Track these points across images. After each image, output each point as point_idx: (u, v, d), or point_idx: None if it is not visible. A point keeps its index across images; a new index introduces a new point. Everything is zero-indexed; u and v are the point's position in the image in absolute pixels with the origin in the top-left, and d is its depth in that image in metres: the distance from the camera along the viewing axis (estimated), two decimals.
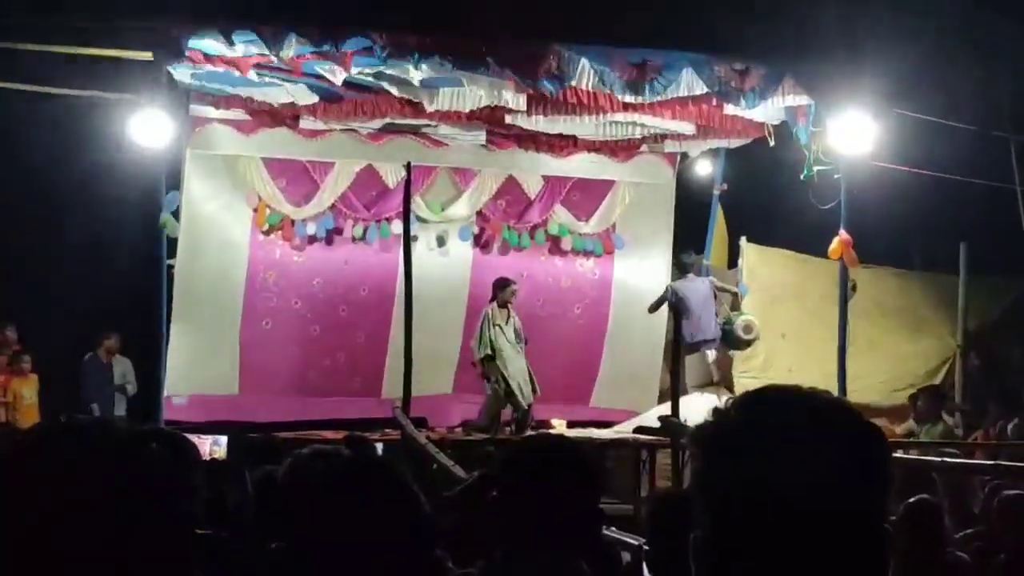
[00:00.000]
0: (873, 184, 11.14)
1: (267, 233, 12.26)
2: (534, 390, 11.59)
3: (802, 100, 10.54)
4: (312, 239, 12.41)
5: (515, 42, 9.96)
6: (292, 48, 9.52)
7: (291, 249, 12.39)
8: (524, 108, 10.73)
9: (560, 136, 12.48)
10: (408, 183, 11.16)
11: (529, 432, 10.51)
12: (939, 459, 7.93)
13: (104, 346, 12.74)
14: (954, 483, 7.38)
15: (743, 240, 13.03)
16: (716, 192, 13.48)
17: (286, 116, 11.70)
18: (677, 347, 10.40)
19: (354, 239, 12.52)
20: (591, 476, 2.52)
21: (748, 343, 12.35)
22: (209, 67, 9.85)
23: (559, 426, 12.10)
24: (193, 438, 4.48)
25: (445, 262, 12.80)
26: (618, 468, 11.30)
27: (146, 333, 10.63)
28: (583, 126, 11.76)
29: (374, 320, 12.54)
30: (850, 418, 1.37)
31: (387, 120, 11.65)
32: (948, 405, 12.08)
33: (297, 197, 12.32)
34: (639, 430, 10.80)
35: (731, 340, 12.30)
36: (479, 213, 12.99)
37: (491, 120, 11.75)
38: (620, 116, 11.26)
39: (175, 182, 11.13)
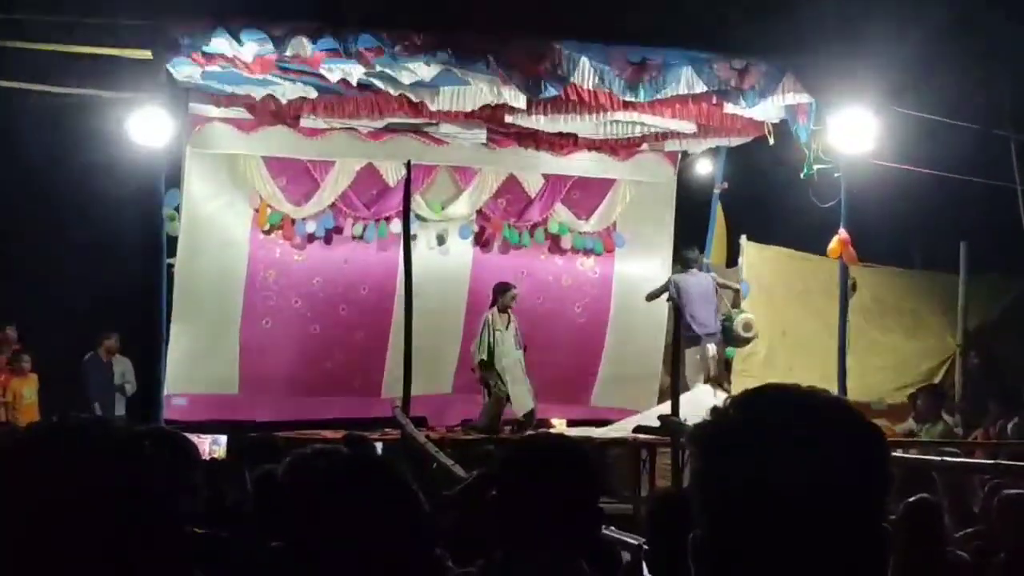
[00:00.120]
0: (873, 183, 11.14)
1: (268, 232, 12.26)
2: (533, 396, 11.59)
3: (802, 98, 10.54)
4: (312, 238, 12.41)
5: (516, 40, 9.94)
6: (305, 48, 9.49)
7: (291, 248, 12.39)
8: (524, 107, 10.74)
9: (560, 135, 12.47)
10: (408, 182, 11.16)
11: (529, 432, 10.50)
12: (939, 458, 7.93)
13: (104, 346, 12.74)
14: (954, 482, 7.37)
15: (743, 238, 13.02)
16: (716, 191, 13.49)
17: (286, 115, 11.69)
18: (677, 345, 10.39)
19: (354, 237, 12.52)
20: (591, 475, 2.51)
21: (747, 340, 12.36)
22: (210, 66, 9.83)
23: (559, 425, 12.09)
24: (193, 437, 4.48)
25: (445, 261, 12.80)
26: (618, 467, 11.29)
27: (146, 332, 10.64)
28: (583, 125, 11.76)
29: (374, 319, 12.53)
30: (849, 417, 1.37)
31: (388, 120, 11.66)
32: (948, 404, 12.07)
33: (297, 196, 12.32)
34: (639, 429, 10.79)
35: (731, 337, 12.31)
36: (479, 212, 12.99)
37: (491, 119, 11.75)
38: (620, 115, 11.26)
39: (175, 181, 11.13)
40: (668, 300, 12.24)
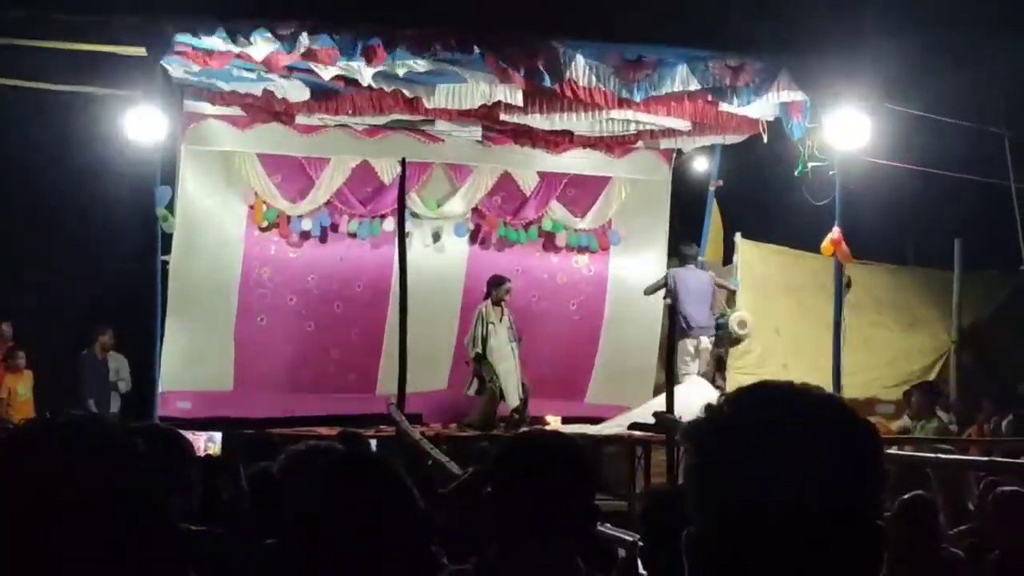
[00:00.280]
0: (868, 180, 11.16)
1: (265, 230, 12.25)
2: (524, 390, 11.62)
3: (796, 96, 10.54)
4: (307, 235, 12.41)
5: (511, 38, 9.94)
6: (314, 44, 9.47)
7: (286, 245, 12.38)
8: (521, 104, 10.74)
9: (556, 132, 12.47)
10: (403, 179, 11.15)
11: (524, 429, 10.51)
12: (933, 455, 7.93)
13: (99, 342, 12.74)
14: (949, 479, 7.38)
15: (738, 236, 13.03)
16: (711, 188, 13.50)
17: (282, 112, 11.68)
18: (672, 341, 10.41)
19: (350, 235, 12.52)
20: (586, 472, 2.51)
21: (741, 339, 12.40)
22: (210, 64, 9.81)
23: (554, 422, 12.09)
24: (187, 434, 4.47)
25: (440, 258, 12.80)
26: (613, 464, 11.29)
27: (141, 329, 10.63)
28: (579, 122, 11.76)
29: (369, 316, 12.53)
30: (843, 414, 1.37)
31: (384, 117, 11.65)
32: (942, 401, 12.09)
33: (292, 193, 12.31)
34: (634, 426, 10.80)
35: (725, 334, 12.35)
36: (475, 209, 12.99)
37: (487, 116, 11.75)
38: (616, 113, 11.25)
39: (170, 178, 11.12)
40: (665, 297, 12.26)
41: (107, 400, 12.57)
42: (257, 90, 10.90)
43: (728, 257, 13.29)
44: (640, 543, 4.04)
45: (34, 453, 1.46)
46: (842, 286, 11.06)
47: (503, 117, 11.53)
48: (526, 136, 12.67)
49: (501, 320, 11.64)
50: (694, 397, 9.33)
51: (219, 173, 12.04)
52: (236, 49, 9.56)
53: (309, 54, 9.58)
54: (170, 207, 10.61)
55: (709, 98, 10.67)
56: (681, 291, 12.00)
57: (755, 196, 13.47)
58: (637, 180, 13.41)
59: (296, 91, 10.83)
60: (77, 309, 12.67)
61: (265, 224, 12.22)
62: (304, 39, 9.44)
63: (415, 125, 12.28)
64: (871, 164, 11.14)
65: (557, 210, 13.18)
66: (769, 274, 13.00)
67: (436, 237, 12.80)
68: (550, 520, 2.41)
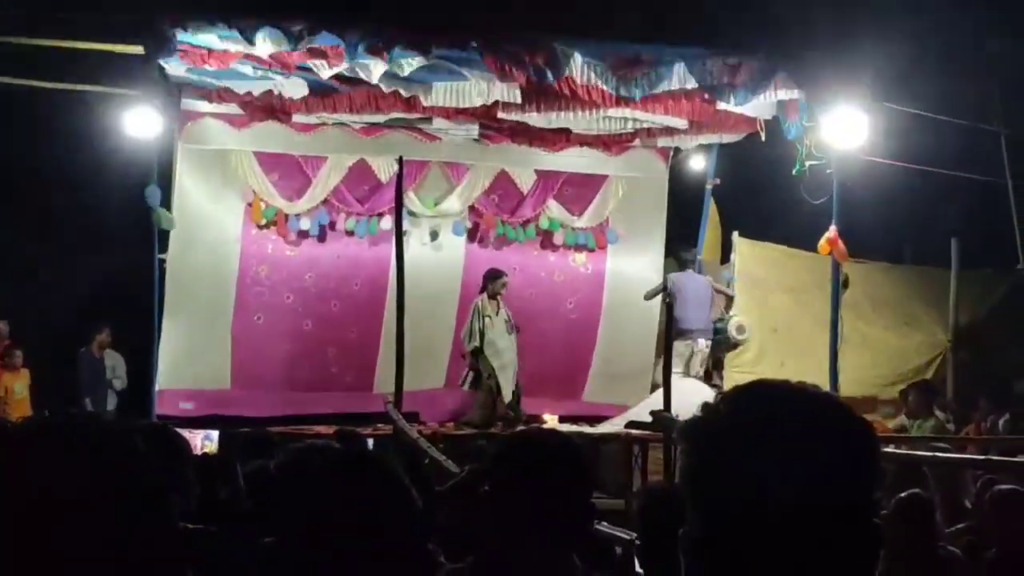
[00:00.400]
0: (865, 179, 11.15)
1: (263, 228, 12.25)
2: (517, 388, 11.62)
3: (794, 95, 10.54)
4: (305, 234, 12.40)
5: (510, 36, 9.93)
6: (321, 42, 9.45)
7: (284, 243, 12.37)
8: (519, 102, 10.73)
9: (553, 130, 12.46)
10: (400, 177, 11.15)
11: (520, 427, 10.51)
12: (930, 454, 7.94)
13: (96, 340, 12.73)
14: (946, 478, 7.39)
15: (735, 235, 13.03)
16: (709, 187, 13.51)
17: (279, 110, 11.67)
18: (669, 340, 10.41)
19: (347, 233, 12.52)
20: (583, 470, 2.51)
21: (739, 344, 12.43)
22: (209, 62, 9.79)
23: (551, 421, 12.09)
24: (184, 432, 4.47)
25: (438, 257, 12.80)
26: (610, 463, 11.29)
27: (138, 327, 10.62)
28: (576, 121, 11.76)
29: (366, 315, 12.52)
30: (839, 413, 1.37)
31: (381, 116, 11.64)
32: (939, 400, 12.09)
33: (289, 191, 12.30)
34: (631, 425, 10.80)
35: (723, 339, 12.36)
36: (472, 208, 12.98)
37: (484, 115, 11.73)
38: (613, 111, 11.24)
39: (167, 177, 11.10)
40: (664, 301, 12.25)
41: (103, 398, 12.57)
42: (256, 88, 10.88)
43: (726, 256, 13.29)
44: (637, 541, 4.04)
45: (32, 452, 1.45)
46: (839, 285, 11.05)
47: (500, 115, 11.52)
48: (523, 134, 12.66)
49: (498, 313, 11.65)
50: (692, 396, 9.34)
51: (216, 171, 12.03)
52: (243, 49, 9.51)
53: (316, 52, 9.55)
54: (167, 205, 10.59)
55: (706, 96, 10.66)
56: (679, 296, 12.00)
57: (752, 195, 13.47)
58: (634, 178, 13.40)
59: (295, 88, 10.80)
60: (74, 307, 12.66)
61: (263, 222, 12.21)
62: (309, 37, 9.42)
63: (412, 123, 12.27)
64: (868, 163, 11.13)
65: (554, 208, 13.18)
66: (766, 273, 13.00)
67: (434, 235, 12.79)
68: (547, 518, 2.41)
